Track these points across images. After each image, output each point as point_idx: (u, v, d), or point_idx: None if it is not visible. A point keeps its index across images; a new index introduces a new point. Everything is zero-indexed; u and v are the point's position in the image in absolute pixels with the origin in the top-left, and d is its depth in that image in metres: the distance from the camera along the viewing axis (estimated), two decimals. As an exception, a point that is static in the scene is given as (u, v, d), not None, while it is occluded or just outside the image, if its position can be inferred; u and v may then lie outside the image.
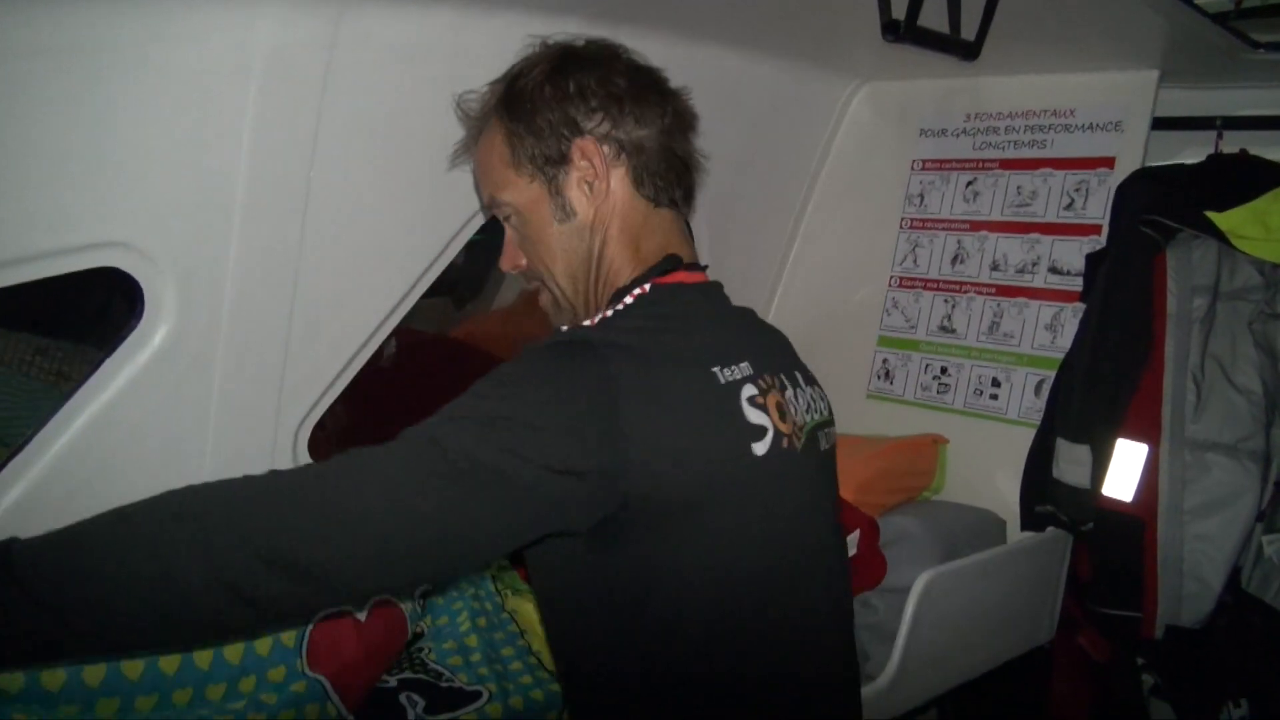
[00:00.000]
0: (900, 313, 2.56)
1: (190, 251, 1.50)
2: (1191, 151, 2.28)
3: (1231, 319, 2.03)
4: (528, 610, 1.84)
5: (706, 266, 1.23)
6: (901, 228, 2.58)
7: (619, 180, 1.16)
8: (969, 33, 1.77)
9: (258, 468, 1.09)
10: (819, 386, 1.25)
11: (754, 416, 1.05)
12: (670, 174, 1.19)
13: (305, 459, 1.68)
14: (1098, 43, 2.12)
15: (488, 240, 1.79)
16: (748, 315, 1.27)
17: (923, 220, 2.55)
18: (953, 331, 2.47)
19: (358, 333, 1.76)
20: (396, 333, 1.88)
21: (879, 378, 2.57)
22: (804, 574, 1.13)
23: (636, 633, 1.06)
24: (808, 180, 2.62)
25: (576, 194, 1.16)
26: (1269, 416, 1.99)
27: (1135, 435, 2.05)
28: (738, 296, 1.26)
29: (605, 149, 1.15)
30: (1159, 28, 1.95)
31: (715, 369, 1.05)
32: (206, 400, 1.56)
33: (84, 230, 1.39)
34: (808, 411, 1.16)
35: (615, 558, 1.03)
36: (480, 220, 1.81)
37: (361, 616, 1.55)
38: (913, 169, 2.57)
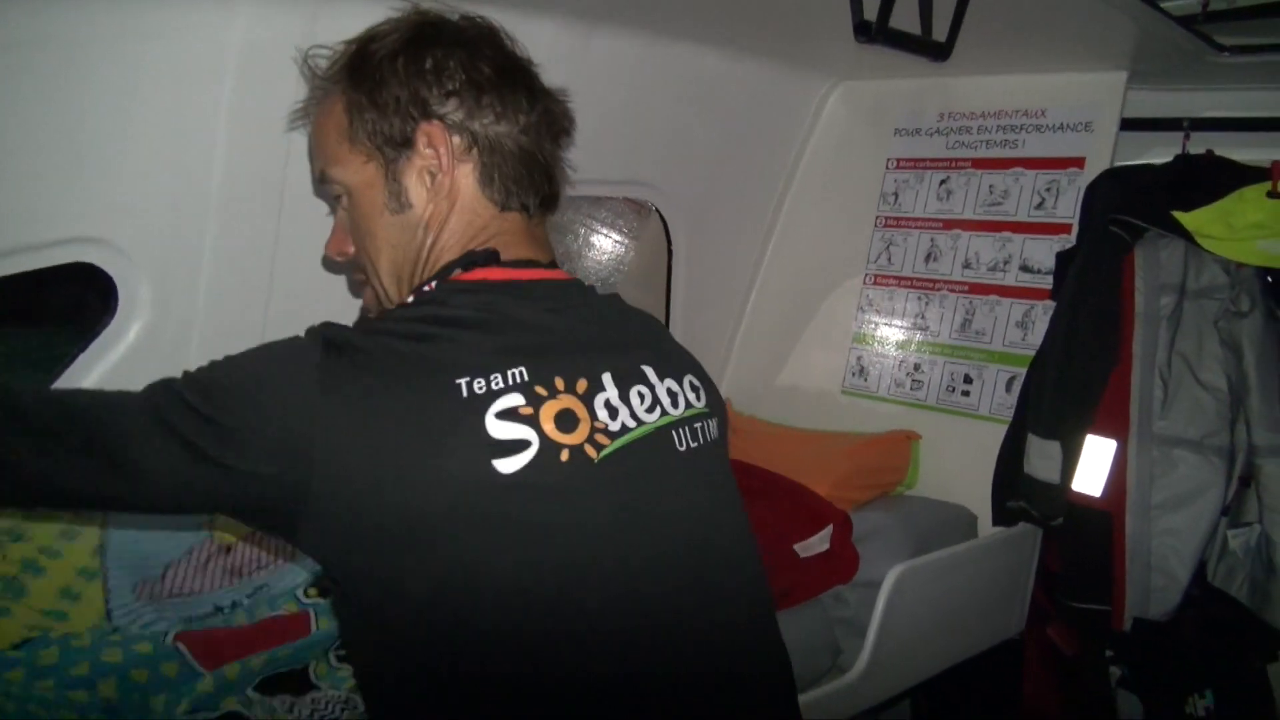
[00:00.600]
0: (875, 310, 2.59)
1: (165, 247, 1.50)
2: (1159, 152, 2.31)
3: (1198, 317, 2.06)
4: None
5: (550, 263, 1.11)
6: (876, 226, 2.60)
7: (465, 176, 1.05)
8: (940, 34, 1.79)
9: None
10: (693, 377, 1.11)
11: (503, 431, 0.94)
12: (526, 179, 1.07)
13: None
14: (1067, 44, 2.15)
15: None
16: (593, 310, 1.11)
17: (897, 219, 2.57)
18: (926, 329, 2.49)
19: (334, 329, 1.76)
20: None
21: (853, 374, 2.60)
22: (628, 583, 0.99)
23: (391, 646, 0.99)
24: (784, 178, 2.64)
25: (415, 184, 1.05)
26: (1233, 413, 2.02)
27: (1104, 431, 2.08)
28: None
29: (455, 139, 1.04)
30: (1127, 30, 1.98)
31: (461, 380, 0.94)
32: (182, 396, 1.55)
33: (58, 225, 1.38)
34: (648, 410, 1.04)
35: (353, 568, 0.96)
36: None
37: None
38: (887, 168, 2.59)
